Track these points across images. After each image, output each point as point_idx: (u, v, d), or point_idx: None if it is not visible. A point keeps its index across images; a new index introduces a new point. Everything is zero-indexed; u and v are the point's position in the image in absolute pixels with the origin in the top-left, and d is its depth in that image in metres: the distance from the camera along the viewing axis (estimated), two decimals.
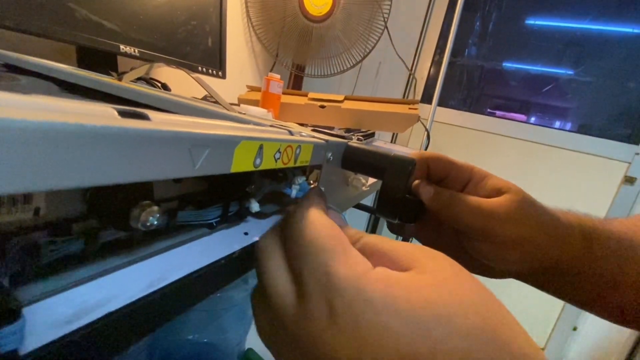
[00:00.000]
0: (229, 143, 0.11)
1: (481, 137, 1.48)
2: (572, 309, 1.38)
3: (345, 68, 1.27)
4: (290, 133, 0.22)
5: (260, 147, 0.13)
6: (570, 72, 1.42)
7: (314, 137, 0.21)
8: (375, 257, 0.15)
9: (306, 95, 0.99)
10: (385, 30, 1.18)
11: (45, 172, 0.07)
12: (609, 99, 1.38)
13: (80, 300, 0.11)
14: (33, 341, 0.09)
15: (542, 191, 1.41)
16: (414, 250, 0.15)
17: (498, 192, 0.24)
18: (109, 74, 0.59)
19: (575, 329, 1.39)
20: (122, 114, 0.11)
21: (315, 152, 0.19)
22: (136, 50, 0.61)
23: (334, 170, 0.23)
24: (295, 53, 1.24)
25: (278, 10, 1.15)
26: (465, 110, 1.51)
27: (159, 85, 0.72)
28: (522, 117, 1.48)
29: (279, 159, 0.15)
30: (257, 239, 0.19)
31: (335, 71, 1.28)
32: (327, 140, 0.20)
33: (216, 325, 0.86)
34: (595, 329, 1.36)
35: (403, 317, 0.12)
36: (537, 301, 1.44)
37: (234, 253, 0.16)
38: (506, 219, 0.23)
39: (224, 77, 0.83)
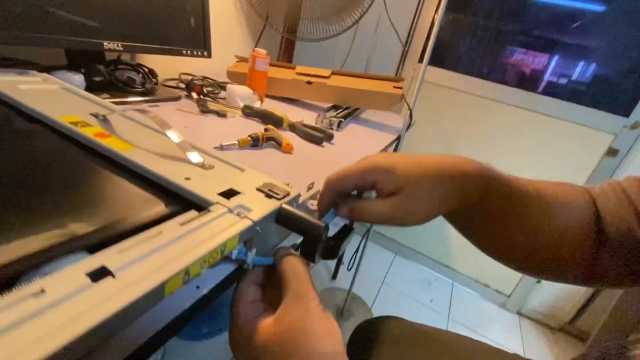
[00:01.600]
0: (158, 290, 0.18)
1: (475, 101, 1.48)
2: None
3: (339, 31, 1.24)
4: (238, 215, 0.28)
5: (187, 272, 0.20)
6: (601, 8, 1.31)
7: (246, 217, 0.27)
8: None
9: (294, 69, 1.00)
10: None
11: None
12: (620, 54, 1.30)
13: None
14: None
15: (528, 158, 1.45)
16: (284, 296, 0.26)
17: (394, 190, 0.30)
18: (97, 69, 0.63)
19: (539, 281, 1.55)
20: (92, 276, 0.18)
21: (245, 233, 0.26)
22: (119, 45, 0.63)
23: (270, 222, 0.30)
24: (286, 14, 1.20)
25: None
26: (471, 73, 1.47)
27: (146, 70, 0.75)
28: (545, 55, 1.41)
29: (204, 264, 0.22)
30: None
31: (329, 34, 1.24)
32: (254, 221, 0.27)
33: None
34: (557, 284, 1.52)
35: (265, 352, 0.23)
36: None
37: None
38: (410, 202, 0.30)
39: (209, 56, 0.84)
